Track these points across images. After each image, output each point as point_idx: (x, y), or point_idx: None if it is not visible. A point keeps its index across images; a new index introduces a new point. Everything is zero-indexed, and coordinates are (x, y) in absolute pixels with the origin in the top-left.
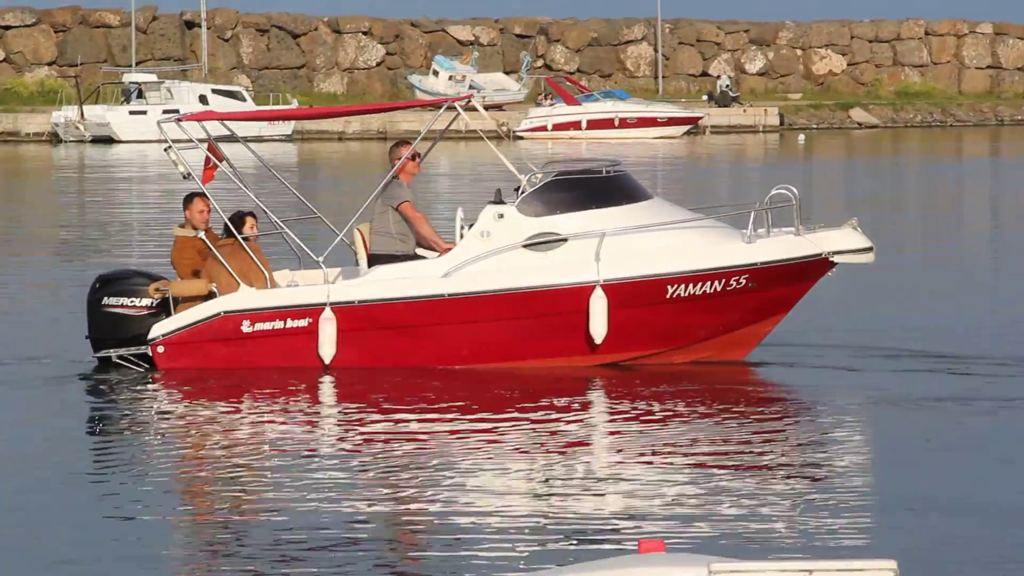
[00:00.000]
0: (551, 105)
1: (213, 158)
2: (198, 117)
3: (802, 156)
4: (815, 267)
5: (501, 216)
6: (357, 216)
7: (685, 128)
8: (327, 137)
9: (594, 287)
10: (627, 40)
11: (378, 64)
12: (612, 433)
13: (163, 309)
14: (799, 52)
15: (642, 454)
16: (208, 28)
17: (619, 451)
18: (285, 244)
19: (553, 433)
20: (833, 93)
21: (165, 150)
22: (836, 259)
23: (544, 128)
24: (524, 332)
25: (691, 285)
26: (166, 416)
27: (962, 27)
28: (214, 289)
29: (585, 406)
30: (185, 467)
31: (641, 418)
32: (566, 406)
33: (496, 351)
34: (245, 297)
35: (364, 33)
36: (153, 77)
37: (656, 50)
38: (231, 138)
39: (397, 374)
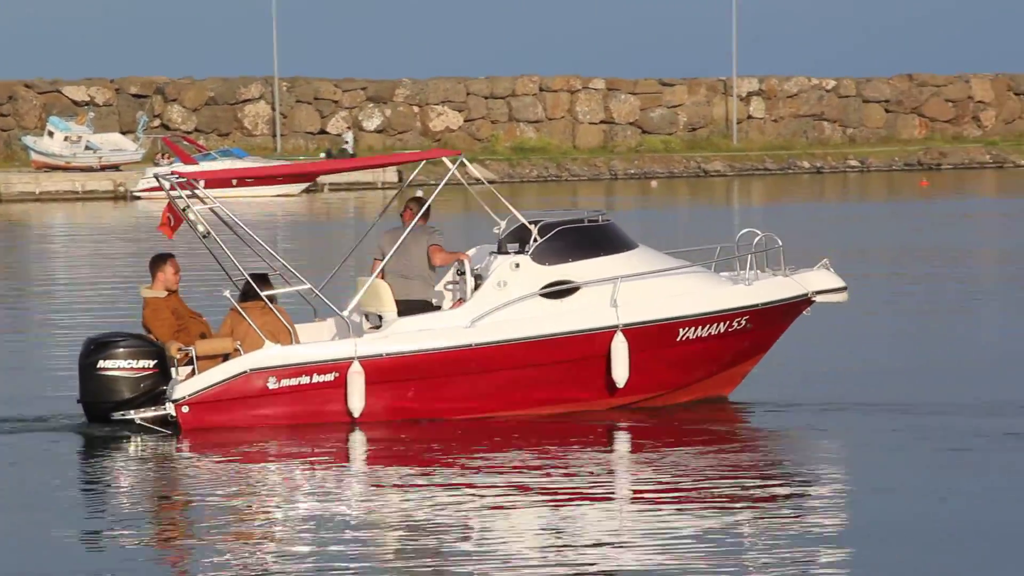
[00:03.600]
0: (169, 164)
1: (173, 217)
2: (212, 176)
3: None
4: (799, 307)
5: (517, 266)
6: (382, 265)
7: (304, 186)
8: (66, 197)
9: (615, 331)
10: (244, 99)
11: None
12: (640, 486)
13: (162, 370)
14: (416, 109)
15: (663, 501)
16: None
17: (650, 503)
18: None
19: (568, 484)
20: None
21: (183, 210)
22: (817, 298)
23: (162, 188)
24: (547, 379)
25: (700, 327)
26: (192, 477)
27: (575, 83)
28: (239, 347)
29: (605, 453)
30: (211, 527)
31: (655, 463)
32: (585, 455)
33: (521, 399)
34: (271, 354)
35: None
36: None
37: (274, 108)
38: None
39: (423, 427)
